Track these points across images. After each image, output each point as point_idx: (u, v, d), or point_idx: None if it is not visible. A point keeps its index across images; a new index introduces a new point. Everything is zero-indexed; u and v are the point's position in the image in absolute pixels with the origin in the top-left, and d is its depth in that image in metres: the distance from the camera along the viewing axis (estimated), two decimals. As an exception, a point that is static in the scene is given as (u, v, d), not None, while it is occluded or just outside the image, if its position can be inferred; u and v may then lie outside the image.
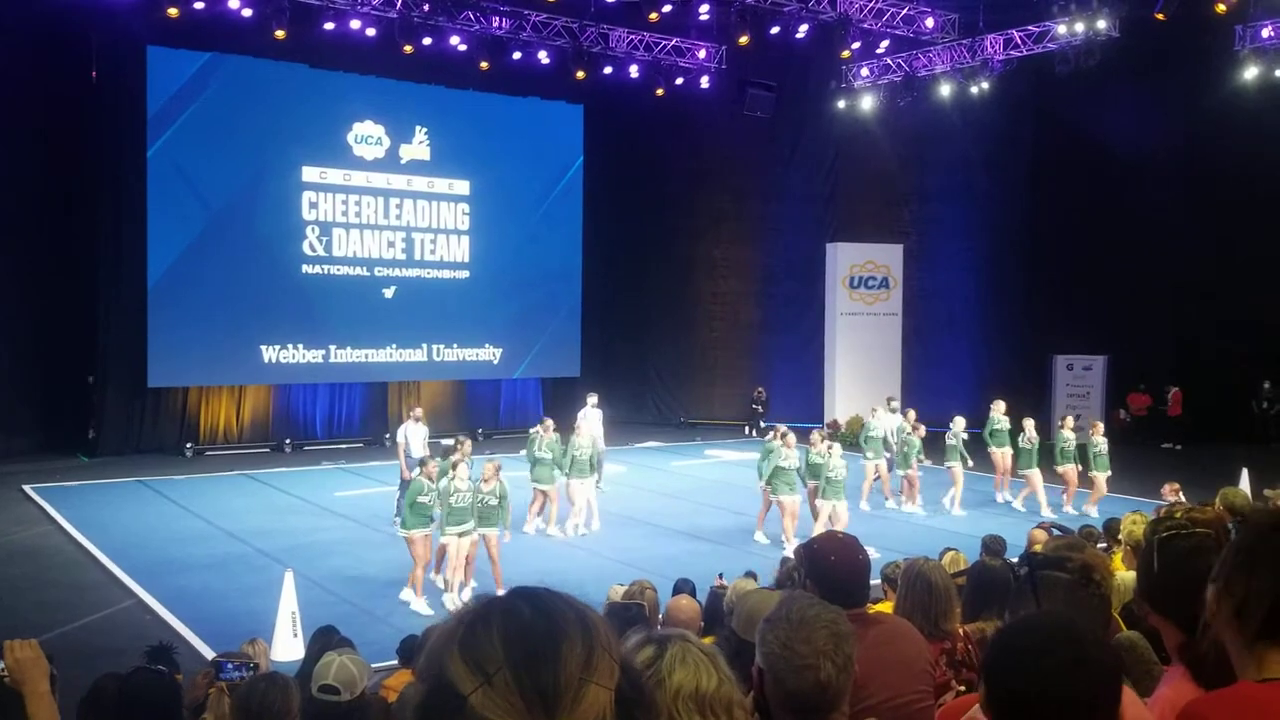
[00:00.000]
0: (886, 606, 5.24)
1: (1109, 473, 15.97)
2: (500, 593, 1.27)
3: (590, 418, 17.06)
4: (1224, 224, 22.14)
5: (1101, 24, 18.96)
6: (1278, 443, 21.64)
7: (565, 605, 1.21)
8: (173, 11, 18.08)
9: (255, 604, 10.56)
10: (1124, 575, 5.35)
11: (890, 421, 17.70)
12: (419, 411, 15.64)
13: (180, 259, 20.23)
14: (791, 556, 9.20)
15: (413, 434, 14.80)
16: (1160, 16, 17.87)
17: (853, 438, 21.67)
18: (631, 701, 1.18)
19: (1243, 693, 1.83)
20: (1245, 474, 15.14)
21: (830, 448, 14.16)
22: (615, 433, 16.32)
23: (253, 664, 4.54)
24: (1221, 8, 18.12)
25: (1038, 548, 6.55)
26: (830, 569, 3.40)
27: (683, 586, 7.83)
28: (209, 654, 8.17)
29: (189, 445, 20.52)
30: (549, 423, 15.08)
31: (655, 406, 26.00)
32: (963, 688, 3.96)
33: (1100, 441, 16.11)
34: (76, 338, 19.92)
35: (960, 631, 4.42)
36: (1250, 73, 20.12)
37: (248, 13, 18.74)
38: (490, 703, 1.11)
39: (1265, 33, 19.71)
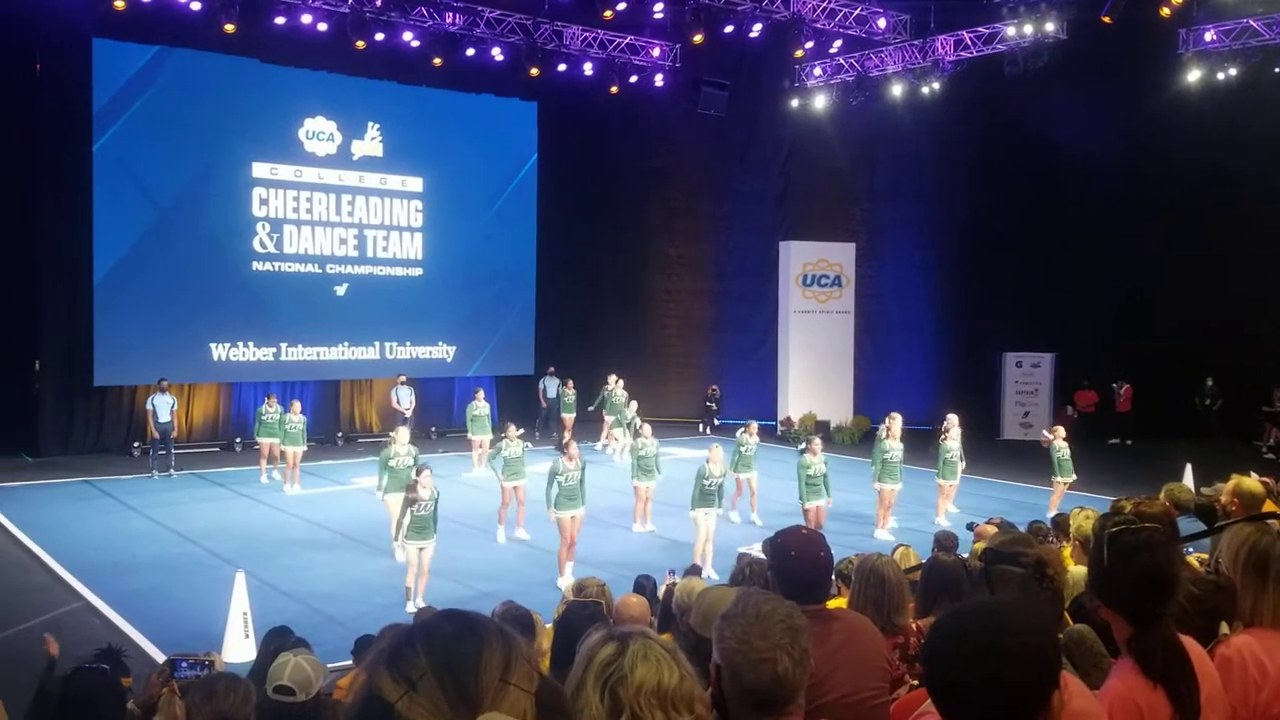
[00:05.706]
0: (840, 602, 5.28)
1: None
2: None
3: (402, 394, 21.00)
4: (1167, 223, 22.54)
5: (1050, 26, 19.21)
6: (1220, 438, 22.05)
7: (483, 620, 1.33)
8: (119, 4, 17.72)
9: (206, 605, 10.43)
10: (1073, 570, 5.44)
11: (552, 385, 23.13)
12: (165, 383, 18.51)
13: (127, 256, 19.88)
14: (748, 553, 9.25)
15: (159, 402, 18.10)
16: (1106, 19, 18.18)
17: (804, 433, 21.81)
18: (551, 705, 1.29)
19: None
20: (1189, 469, 15.46)
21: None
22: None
23: (207, 662, 4.49)
24: (1166, 12, 18.43)
25: (979, 545, 6.64)
26: (791, 564, 3.42)
27: (644, 584, 7.84)
28: (159, 657, 8.08)
29: (136, 444, 20.17)
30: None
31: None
32: (916, 682, 4.01)
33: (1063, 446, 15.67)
34: (20, 336, 19.50)
35: (913, 626, 4.48)
36: (1193, 75, 20.56)
37: (196, 5, 18.48)
38: (416, 706, 1.20)
39: (1208, 36, 20.14)
